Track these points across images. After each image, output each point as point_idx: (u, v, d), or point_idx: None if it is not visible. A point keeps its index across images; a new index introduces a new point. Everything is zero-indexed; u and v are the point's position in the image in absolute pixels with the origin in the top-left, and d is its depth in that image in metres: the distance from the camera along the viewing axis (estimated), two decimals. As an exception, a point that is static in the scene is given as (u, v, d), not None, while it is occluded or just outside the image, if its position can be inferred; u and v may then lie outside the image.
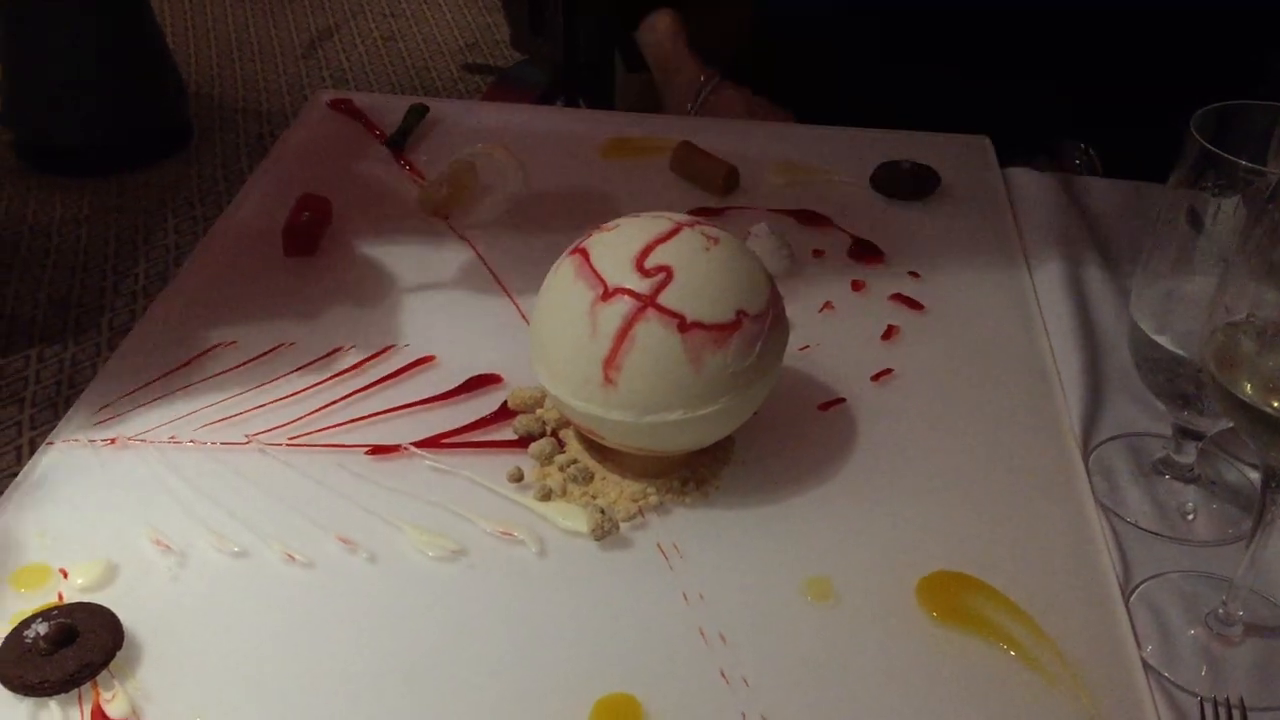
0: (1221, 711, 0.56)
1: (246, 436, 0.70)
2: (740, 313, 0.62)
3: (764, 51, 1.24)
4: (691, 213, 0.74)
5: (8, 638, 0.56)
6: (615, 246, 0.64)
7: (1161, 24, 1.02)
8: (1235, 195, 0.58)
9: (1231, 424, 0.55)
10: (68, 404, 0.70)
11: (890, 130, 1.03)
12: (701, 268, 0.62)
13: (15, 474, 0.67)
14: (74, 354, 2.02)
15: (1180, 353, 0.62)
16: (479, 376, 0.75)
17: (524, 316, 0.81)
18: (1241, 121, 0.59)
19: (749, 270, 0.65)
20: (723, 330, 0.61)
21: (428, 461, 0.69)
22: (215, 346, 0.78)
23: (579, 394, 0.63)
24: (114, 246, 2.54)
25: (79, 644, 0.56)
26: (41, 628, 0.56)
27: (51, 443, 0.70)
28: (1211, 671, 0.59)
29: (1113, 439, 0.72)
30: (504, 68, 3.18)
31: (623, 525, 0.65)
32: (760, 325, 0.63)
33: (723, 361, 0.62)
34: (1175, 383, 0.63)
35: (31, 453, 0.70)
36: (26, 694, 0.54)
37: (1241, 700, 0.56)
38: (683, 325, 0.61)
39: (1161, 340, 0.63)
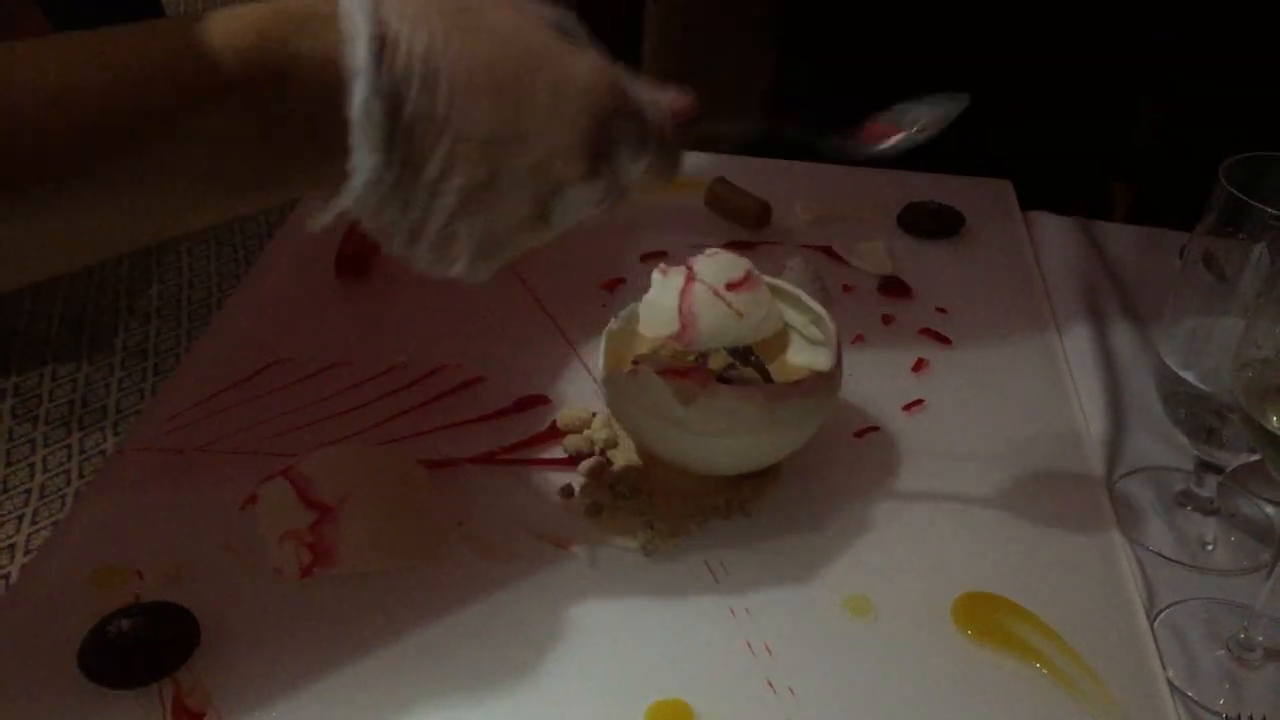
0: (1245, 729, 0.59)
1: (309, 449, 0.73)
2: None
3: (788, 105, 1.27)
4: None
5: (92, 631, 0.59)
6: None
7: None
8: (1261, 242, 0.61)
9: (1258, 456, 0.59)
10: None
11: (915, 172, 1.06)
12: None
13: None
14: (87, 374, 2.04)
15: (1205, 388, 0.65)
16: (528, 397, 0.78)
17: (567, 340, 0.84)
18: (1270, 171, 0.62)
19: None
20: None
21: (481, 475, 0.72)
22: (272, 364, 0.81)
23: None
24: (127, 268, 2.56)
25: (160, 640, 0.59)
26: (124, 623, 0.59)
27: (121, 452, 0.72)
28: (1233, 692, 0.61)
29: (1135, 472, 0.76)
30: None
31: (671, 542, 0.68)
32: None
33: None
34: (1198, 416, 0.67)
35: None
36: (110, 686, 0.57)
37: (1265, 719, 0.59)
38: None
39: (1187, 376, 0.66)
